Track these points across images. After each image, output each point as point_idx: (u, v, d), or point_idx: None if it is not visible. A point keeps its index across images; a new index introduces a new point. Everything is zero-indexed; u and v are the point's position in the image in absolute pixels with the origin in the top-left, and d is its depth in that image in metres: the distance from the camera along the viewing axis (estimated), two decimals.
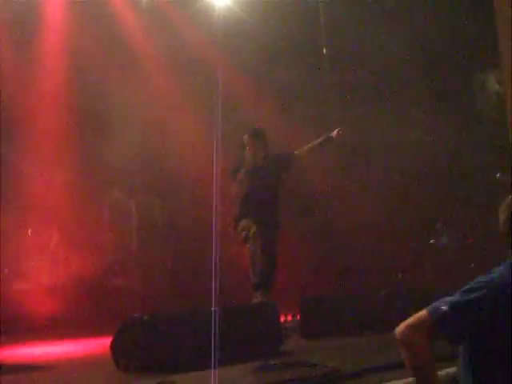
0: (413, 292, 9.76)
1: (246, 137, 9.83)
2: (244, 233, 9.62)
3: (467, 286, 3.53)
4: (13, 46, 12.33)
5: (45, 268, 12.71)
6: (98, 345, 9.54)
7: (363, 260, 13.04)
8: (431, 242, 13.31)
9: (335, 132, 9.68)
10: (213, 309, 7.26)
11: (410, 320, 3.49)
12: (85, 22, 12.68)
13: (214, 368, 6.70)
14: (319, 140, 9.76)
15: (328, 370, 6.29)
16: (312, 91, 13.64)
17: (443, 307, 3.46)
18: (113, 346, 7.33)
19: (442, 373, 4.99)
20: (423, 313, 3.48)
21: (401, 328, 3.47)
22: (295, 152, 9.78)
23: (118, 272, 13.26)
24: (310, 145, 9.77)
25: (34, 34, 12.73)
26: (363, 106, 13.54)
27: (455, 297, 3.51)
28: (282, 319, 9.60)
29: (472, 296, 3.46)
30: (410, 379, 4.89)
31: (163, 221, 14.24)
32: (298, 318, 10.00)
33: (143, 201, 13.99)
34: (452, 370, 4.96)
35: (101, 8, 12.72)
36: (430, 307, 3.49)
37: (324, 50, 12.87)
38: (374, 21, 13.50)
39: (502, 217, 3.70)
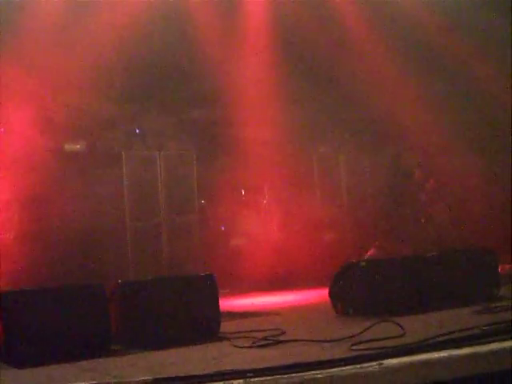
0: None
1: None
2: None
3: None
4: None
5: (258, 224, 13.17)
6: (316, 294, 9.86)
7: None
8: None
9: None
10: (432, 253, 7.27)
11: None
12: None
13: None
14: None
15: None
16: None
17: None
18: (331, 291, 7.56)
19: None
20: None
21: None
22: None
23: (330, 225, 13.49)
24: None
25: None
26: None
27: None
28: (500, 268, 9.41)
29: None
30: None
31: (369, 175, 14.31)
32: None
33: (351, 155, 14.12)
34: None
35: None
36: None
37: None
38: None
39: None
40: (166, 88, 13.05)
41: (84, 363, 5.41)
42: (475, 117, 13.73)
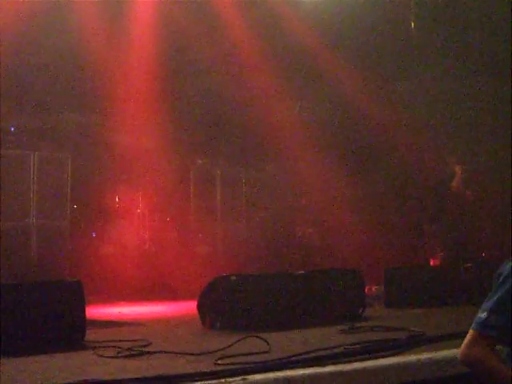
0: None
1: None
2: None
3: (493, 286, 3.57)
4: None
5: (131, 233, 13.01)
6: (185, 306, 9.80)
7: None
8: None
9: None
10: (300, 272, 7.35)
11: (463, 344, 3.55)
12: None
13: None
14: None
15: (412, 333, 6.30)
16: None
17: (482, 315, 3.53)
18: (200, 304, 7.52)
19: None
20: (469, 332, 3.54)
21: (460, 354, 3.56)
22: None
23: (202, 239, 13.48)
24: None
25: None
26: None
27: (487, 301, 3.54)
28: (367, 289, 9.63)
29: (501, 292, 3.49)
30: None
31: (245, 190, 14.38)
32: (382, 288, 10.03)
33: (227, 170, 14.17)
34: None
35: None
36: (472, 324, 3.55)
37: None
38: None
39: None
40: (43, 87, 12.72)
41: None
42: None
